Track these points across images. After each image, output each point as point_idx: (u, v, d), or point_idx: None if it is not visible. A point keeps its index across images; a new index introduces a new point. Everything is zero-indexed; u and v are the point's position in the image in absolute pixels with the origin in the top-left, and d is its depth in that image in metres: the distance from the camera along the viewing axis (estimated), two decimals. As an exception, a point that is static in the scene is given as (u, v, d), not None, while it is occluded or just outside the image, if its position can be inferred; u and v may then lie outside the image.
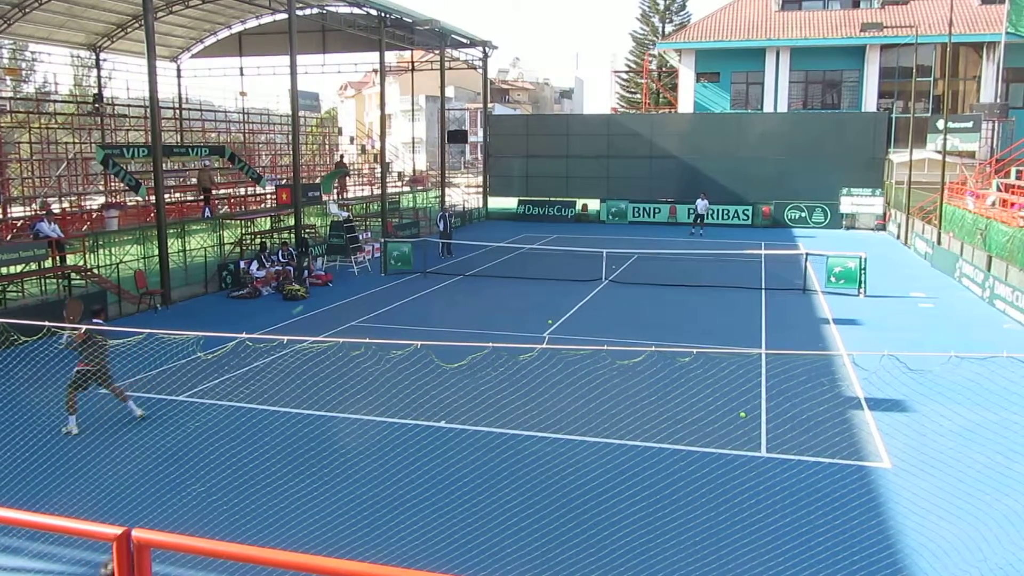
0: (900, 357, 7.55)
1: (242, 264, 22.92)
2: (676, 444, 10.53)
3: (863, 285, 21.56)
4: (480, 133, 49.41)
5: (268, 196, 33.85)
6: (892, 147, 38.49)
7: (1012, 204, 26.28)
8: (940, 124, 30.82)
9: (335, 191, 37.68)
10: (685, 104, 44.83)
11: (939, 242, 27.49)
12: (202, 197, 29.59)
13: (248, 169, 30.00)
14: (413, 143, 51.90)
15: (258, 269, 22.39)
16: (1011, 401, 11.72)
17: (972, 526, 8.15)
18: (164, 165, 23.13)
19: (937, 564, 7.59)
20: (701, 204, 36.63)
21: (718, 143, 40.03)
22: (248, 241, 26.17)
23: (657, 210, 40.87)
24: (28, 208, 28.10)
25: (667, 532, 8.19)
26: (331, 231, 27.44)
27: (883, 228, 37.30)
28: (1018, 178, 29.76)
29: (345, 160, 44.96)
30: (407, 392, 12.17)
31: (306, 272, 23.28)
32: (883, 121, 38.41)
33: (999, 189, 29.56)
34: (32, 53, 44.54)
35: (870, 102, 41.07)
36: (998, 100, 36.24)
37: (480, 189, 45.81)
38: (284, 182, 33.02)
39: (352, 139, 56.53)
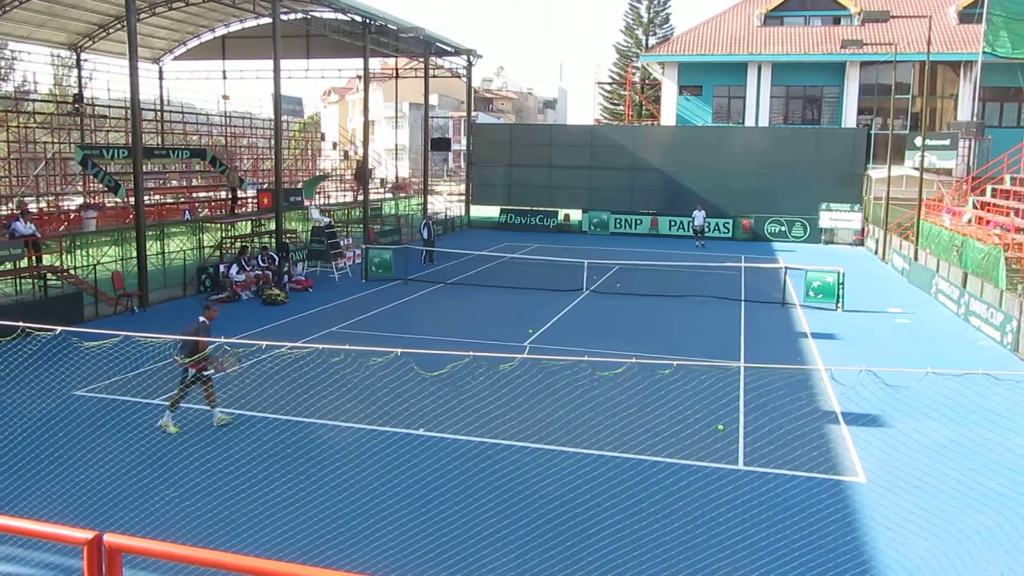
0: (877, 372, 7.62)
1: (222, 268, 22.75)
2: (654, 456, 10.55)
3: (841, 300, 21.74)
4: (463, 141, 49.52)
5: (250, 200, 33.66)
6: (871, 163, 38.91)
7: (987, 222, 26.65)
8: (918, 141, 31.18)
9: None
10: (667, 117, 45.12)
11: (916, 258, 27.79)
12: (230, 197, 29.45)
13: (229, 172, 29.83)
14: (396, 150, 51.79)
15: (238, 273, 22.24)
16: (985, 418, 11.83)
17: (945, 542, 8.23)
18: (144, 167, 22.93)
19: (911, 578, 7.64)
20: (699, 216, 36.21)
21: (700, 156, 40.25)
22: (228, 245, 25.99)
23: (639, 221, 41.05)
24: (4, 207, 27.74)
25: (644, 544, 8.19)
26: (312, 236, 27.32)
27: (861, 243, 37.67)
28: (994, 196, 30.17)
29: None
30: (386, 399, 12.11)
31: (286, 277, 23.14)
32: (862, 137, 38.83)
33: (975, 207, 29.98)
34: (11, 52, 44.11)
35: (850, 118, 41.54)
36: (974, 118, 36.75)
37: (462, 197, 45.81)
38: (266, 186, 32.86)
39: (335, 145, 56.32)
